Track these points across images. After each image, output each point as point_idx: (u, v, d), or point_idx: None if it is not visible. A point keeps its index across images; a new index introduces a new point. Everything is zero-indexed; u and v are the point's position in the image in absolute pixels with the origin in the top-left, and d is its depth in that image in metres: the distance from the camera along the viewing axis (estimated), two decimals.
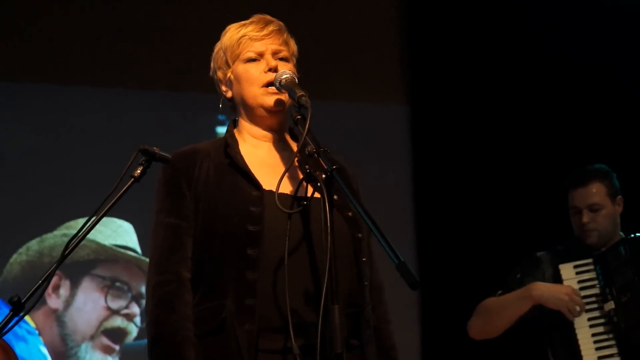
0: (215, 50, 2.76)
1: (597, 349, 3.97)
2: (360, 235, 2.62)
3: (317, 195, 2.49)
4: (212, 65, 2.77)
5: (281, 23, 2.74)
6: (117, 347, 5.35)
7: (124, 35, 5.59)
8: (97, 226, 2.42)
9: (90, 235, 2.50)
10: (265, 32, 2.69)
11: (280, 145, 2.72)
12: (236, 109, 2.75)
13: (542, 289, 3.99)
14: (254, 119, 2.70)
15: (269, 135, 2.71)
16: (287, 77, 2.60)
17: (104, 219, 2.46)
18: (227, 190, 2.58)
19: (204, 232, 2.57)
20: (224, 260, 2.53)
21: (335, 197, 2.49)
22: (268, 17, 2.74)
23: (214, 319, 2.51)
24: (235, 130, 2.73)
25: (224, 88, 2.74)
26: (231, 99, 2.74)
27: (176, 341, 2.48)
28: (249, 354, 2.47)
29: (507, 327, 4.12)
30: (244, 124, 2.72)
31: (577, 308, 3.95)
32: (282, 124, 2.72)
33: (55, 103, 5.44)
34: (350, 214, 2.62)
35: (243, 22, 2.74)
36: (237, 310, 2.49)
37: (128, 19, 5.63)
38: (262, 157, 2.68)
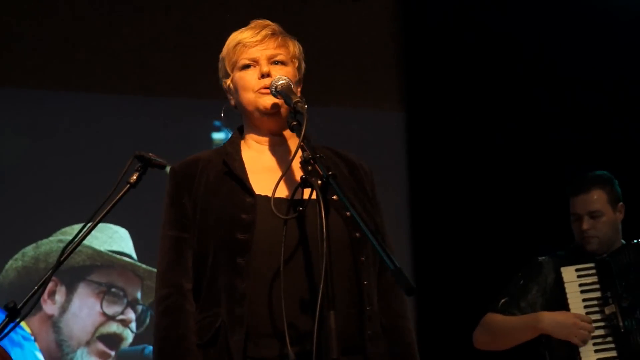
0: (220, 60, 2.76)
1: (597, 351, 3.98)
2: (358, 234, 2.60)
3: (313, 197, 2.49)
4: (219, 75, 2.78)
5: (276, 26, 2.73)
6: (112, 353, 5.34)
7: (121, 42, 5.59)
8: (93, 232, 2.43)
9: (86, 241, 2.50)
10: (258, 37, 2.69)
11: (283, 149, 2.72)
12: (241, 116, 2.76)
13: (548, 321, 3.99)
14: (254, 123, 2.70)
15: (271, 139, 2.71)
16: (282, 82, 2.60)
17: (100, 224, 2.46)
18: (222, 198, 2.58)
19: (200, 241, 2.58)
20: (217, 269, 2.54)
21: (334, 197, 2.49)
22: (265, 21, 2.74)
23: (210, 329, 2.52)
24: (240, 137, 2.74)
25: (229, 96, 2.75)
26: (235, 107, 2.76)
27: (178, 354, 2.49)
28: None
29: (512, 346, 4.15)
30: (248, 130, 2.73)
31: (587, 334, 3.96)
32: (282, 127, 2.71)
33: (51, 109, 5.44)
34: (348, 214, 2.61)
35: (243, 28, 2.74)
36: (229, 319, 2.50)
37: (125, 26, 5.63)
38: (265, 162, 2.68)
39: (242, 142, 2.73)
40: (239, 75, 2.69)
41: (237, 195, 2.57)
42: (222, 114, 2.79)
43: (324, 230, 2.33)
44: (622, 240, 4.18)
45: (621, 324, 3.98)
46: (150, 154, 2.48)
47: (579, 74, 5.84)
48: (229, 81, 2.72)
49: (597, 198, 4.13)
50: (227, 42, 2.74)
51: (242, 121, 2.77)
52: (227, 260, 2.52)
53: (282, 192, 2.58)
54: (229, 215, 2.54)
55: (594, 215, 4.12)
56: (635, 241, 4.13)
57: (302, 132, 2.45)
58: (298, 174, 2.57)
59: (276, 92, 2.61)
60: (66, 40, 5.52)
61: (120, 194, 2.42)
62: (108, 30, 5.59)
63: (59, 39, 5.52)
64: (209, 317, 2.53)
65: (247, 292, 2.48)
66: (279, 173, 2.60)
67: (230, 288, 2.50)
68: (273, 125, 2.70)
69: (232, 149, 2.69)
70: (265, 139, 2.71)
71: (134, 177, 2.45)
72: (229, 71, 2.71)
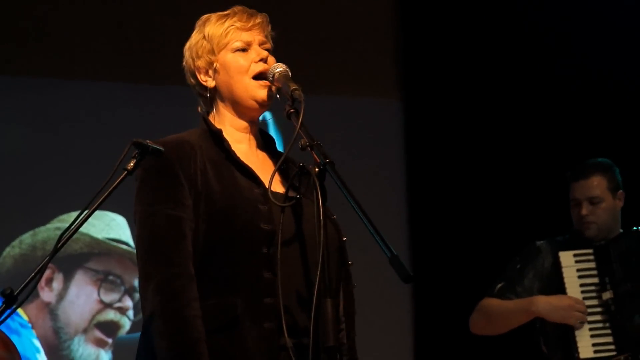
0: (195, 40, 2.71)
1: (593, 336, 3.99)
2: (345, 238, 2.63)
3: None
4: (188, 54, 2.72)
5: (266, 15, 2.72)
6: (109, 341, 5.35)
7: (118, 30, 5.58)
8: (90, 219, 2.41)
9: (83, 229, 2.49)
10: (252, 22, 2.67)
11: (257, 140, 2.71)
12: (214, 100, 2.70)
13: (542, 304, 4.01)
14: (238, 110, 2.67)
15: (249, 129, 2.69)
16: (280, 70, 2.59)
17: (97, 212, 2.44)
18: (229, 187, 2.54)
19: (208, 230, 2.51)
20: (234, 258, 2.49)
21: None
22: (252, 10, 2.72)
23: (224, 316, 2.47)
24: (215, 123, 2.68)
25: (203, 77, 2.69)
26: (210, 89, 2.69)
27: (193, 337, 2.41)
28: (270, 351, 2.45)
29: (508, 330, 4.16)
30: (226, 116, 2.68)
31: (582, 316, 3.97)
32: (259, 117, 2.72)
33: (49, 97, 5.43)
34: (334, 217, 2.62)
35: (223, 12, 2.71)
36: (252, 308, 2.46)
37: (123, 13, 5.62)
38: (245, 152, 2.65)
39: (219, 127, 2.67)
40: (232, 57, 2.65)
41: (244, 184, 2.55)
42: (208, 95, 2.70)
43: (321, 216, 2.33)
44: (621, 229, 4.19)
45: (618, 309, 4.00)
46: (148, 141, 2.46)
47: (579, 63, 5.84)
48: (215, 60, 2.67)
49: (597, 184, 4.14)
50: (211, 24, 2.69)
51: (210, 105, 2.71)
52: (250, 250, 2.49)
53: (275, 182, 2.57)
54: (247, 205, 2.51)
55: (594, 201, 4.13)
56: (635, 228, 4.14)
57: (300, 119, 2.45)
58: (287, 165, 2.61)
59: (273, 80, 2.60)
60: (64, 28, 5.51)
61: (118, 181, 2.41)
62: (106, 17, 5.58)
63: (56, 28, 5.51)
64: (219, 305, 2.48)
65: (276, 282, 2.46)
66: (257, 163, 2.62)
67: (255, 277, 2.47)
68: (257, 115, 2.69)
69: (221, 135, 2.64)
70: (245, 127, 2.69)
71: (132, 164, 2.43)
72: (216, 51, 2.66)
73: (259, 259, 2.48)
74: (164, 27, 5.63)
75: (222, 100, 2.69)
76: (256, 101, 2.64)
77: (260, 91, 2.64)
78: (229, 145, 2.62)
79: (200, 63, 2.69)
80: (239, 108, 2.67)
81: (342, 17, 6.05)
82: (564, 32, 5.88)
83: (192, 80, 2.72)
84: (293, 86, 2.53)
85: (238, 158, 2.60)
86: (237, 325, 2.46)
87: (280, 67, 2.61)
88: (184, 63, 2.74)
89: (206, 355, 2.41)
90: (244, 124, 2.68)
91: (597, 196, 4.13)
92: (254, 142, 2.70)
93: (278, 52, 2.73)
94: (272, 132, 4.95)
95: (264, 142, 2.74)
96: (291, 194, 2.55)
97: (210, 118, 2.70)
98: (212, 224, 2.52)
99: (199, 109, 2.75)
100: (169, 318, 2.43)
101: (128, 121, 5.42)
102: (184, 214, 2.50)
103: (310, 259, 2.52)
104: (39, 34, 5.46)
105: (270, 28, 2.72)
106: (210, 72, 2.68)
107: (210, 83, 2.69)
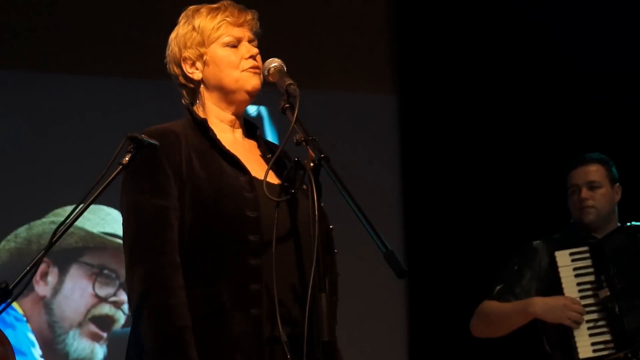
0: (183, 30, 2.71)
1: (591, 335, 4.00)
2: (332, 226, 2.64)
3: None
4: (174, 43, 2.72)
5: (255, 12, 2.73)
6: (104, 335, 5.35)
7: (113, 23, 5.58)
8: (86, 214, 2.41)
9: (78, 223, 2.50)
10: (243, 19, 2.68)
11: (241, 133, 2.72)
12: (199, 92, 2.71)
13: (539, 306, 4.03)
14: (227, 101, 2.68)
15: (234, 121, 2.70)
16: (275, 65, 2.61)
17: (92, 206, 2.45)
18: (215, 175, 2.56)
19: (194, 218, 2.52)
20: (220, 246, 2.50)
21: (304, 186, 2.51)
22: (237, 4, 2.72)
23: (210, 304, 2.48)
24: (200, 114, 2.69)
25: (189, 69, 2.69)
26: (195, 81, 2.70)
27: (178, 325, 2.42)
28: (255, 338, 2.46)
29: (508, 332, 4.18)
30: (211, 108, 2.69)
31: (578, 316, 3.99)
32: (244, 110, 2.73)
33: (45, 91, 5.43)
34: (322, 204, 2.63)
35: (213, 5, 2.71)
36: (238, 295, 2.47)
37: (118, 7, 5.62)
38: (230, 141, 2.66)
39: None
40: (222, 51, 2.66)
41: (229, 172, 2.57)
42: (193, 86, 2.71)
43: (316, 211, 2.34)
44: (618, 223, 4.21)
45: (615, 307, 4.01)
46: (143, 135, 2.47)
47: (577, 59, 5.86)
48: (204, 53, 2.67)
49: (596, 170, 4.19)
50: (202, 17, 2.69)
51: (194, 97, 2.71)
52: (235, 238, 2.50)
53: (269, 175, 2.56)
54: (233, 193, 2.53)
55: (593, 186, 4.16)
56: (628, 224, 4.16)
57: (295, 114, 2.46)
58: (278, 158, 2.59)
59: (268, 74, 2.62)
60: (58, 22, 5.51)
61: (113, 175, 2.41)
62: (100, 10, 5.57)
63: (51, 21, 5.50)
64: (204, 293, 2.48)
65: (262, 269, 2.48)
66: (244, 155, 2.63)
67: (241, 264, 2.48)
68: (243, 108, 2.70)
69: (206, 124, 2.65)
70: (230, 120, 2.70)
71: (127, 158, 2.44)
72: (206, 44, 2.66)
73: (244, 246, 2.49)
74: (160, 22, 5.63)
75: (209, 92, 2.70)
76: (246, 91, 2.66)
77: (251, 79, 2.65)
78: (214, 134, 2.63)
79: (188, 54, 2.69)
80: (227, 99, 2.68)
81: (337, 12, 6.05)
82: (560, 28, 5.88)
83: (177, 70, 2.73)
84: (288, 81, 2.55)
85: (223, 146, 2.61)
86: (223, 312, 2.47)
87: (275, 62, 2.62)
88: (169, 52, 2.74)
89: (192, 343, 2.42)
90: (229, 116, 2.70)
91: (596, 181, 4.17)
92: (239, 132, 2.71)
93: (273, 47, 2.73)
94: (267, 127, 4.98)
95: (249, 132, 2.75)
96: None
97: (195, 109, 2.71)
98: (198, 212, 2.53)
99: (183, 100, 2.75)
100: (154, 307, 2.44)
101: (124, 116, 5.41)
102: (170, 203, 2.52)
103: (303, 250, 2.53)
104: (33, 29, 5.46)
105: (258, 25, 2.73)
106: (198, 64, 2.69)
107: (196, 75, 2.69)
